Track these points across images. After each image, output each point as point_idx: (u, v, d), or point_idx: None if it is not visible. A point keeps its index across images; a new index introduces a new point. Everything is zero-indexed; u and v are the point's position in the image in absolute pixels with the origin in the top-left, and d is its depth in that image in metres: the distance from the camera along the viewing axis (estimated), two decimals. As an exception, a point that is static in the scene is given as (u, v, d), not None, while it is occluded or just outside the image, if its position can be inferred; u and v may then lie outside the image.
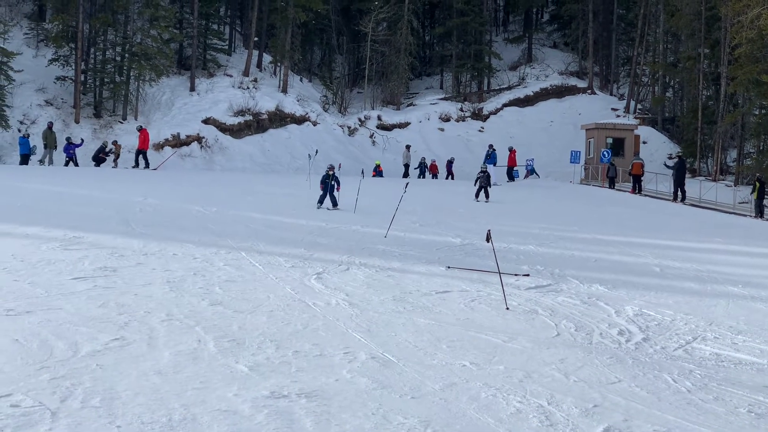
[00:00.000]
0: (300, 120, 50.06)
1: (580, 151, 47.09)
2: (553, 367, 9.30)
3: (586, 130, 49.73)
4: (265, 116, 48.67)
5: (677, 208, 33.98)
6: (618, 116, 55.67)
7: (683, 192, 36.13)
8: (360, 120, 53.03)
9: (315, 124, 50.42)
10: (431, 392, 8.04)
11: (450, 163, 45.59)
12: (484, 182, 30.51)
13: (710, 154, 50.51)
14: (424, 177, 44.88)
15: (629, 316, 12.72)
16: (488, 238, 12.95)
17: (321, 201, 24.26)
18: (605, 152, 43.51)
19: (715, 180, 45.82)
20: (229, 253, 15.65)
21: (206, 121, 46.01)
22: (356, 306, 12.01)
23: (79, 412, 6.85)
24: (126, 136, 41.59)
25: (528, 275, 15.49)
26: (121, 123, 44.33)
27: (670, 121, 57.83)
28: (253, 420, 6.88)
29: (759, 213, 33.06)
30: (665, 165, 39.40)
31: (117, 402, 7.15)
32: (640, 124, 53.15)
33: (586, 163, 47.43)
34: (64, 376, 7.78)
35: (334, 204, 24.18)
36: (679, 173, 36.13)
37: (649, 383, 8.85)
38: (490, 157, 40.57)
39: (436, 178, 45.13)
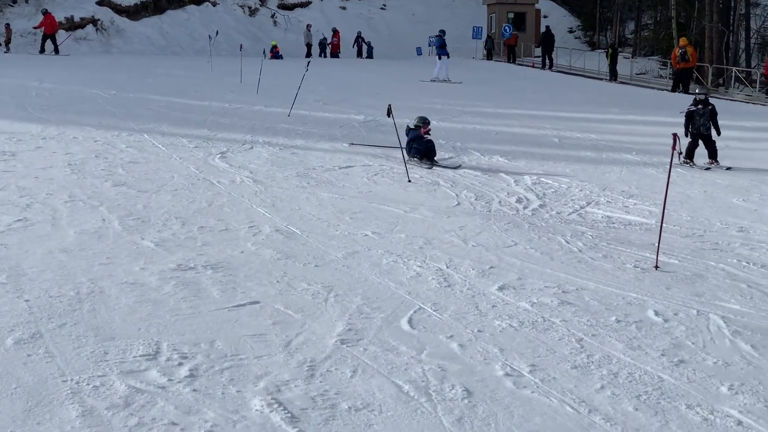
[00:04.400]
0: (198, 1, 48.91)
1: (482, 27, 47.15)
2: (453, 234, 9.61)
3: (488, 5, 49.73)
4: (162, -4, 47.46)
5: (553, 76, 35.42)
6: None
7: (551, 60, 39.23)
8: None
9: (214, 4, 49.28)
10: (334, 260, 8.29)
11: (359, 38, 45.33)
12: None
13: (609, 27, 51.07)
14: (325, 56, 44.56)
15: (527, 184, 13.09)
16: (389, 113, 13.10)
17: None
18: (506, 27, 43.68)
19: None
20: (130, 135, 15.54)
21: (101, 3, 44.59)
22: (260, 183, 12.14)
23: (-14, 291, 6.92)
24: (18, 20, 40.21)
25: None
26: (12, 6, 42.78)
27: (570, -6, 58.10)
28: (161, 291, 7.04)
29: (613, 76, 35.47)
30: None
31: (24, 278, 7.22)
32: (541, -1, 53.29)
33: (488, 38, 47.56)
34: (-32, 259, 7.80)
35: None
36: (547, 42, 39.06)
37: (543, 245, 9.23)
38: (446, 46, 32.15)
39: (338, 56, 44.86)
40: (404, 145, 14.10)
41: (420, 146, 14.36)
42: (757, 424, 4.90)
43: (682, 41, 31.42)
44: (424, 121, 14.63)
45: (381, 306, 6.89)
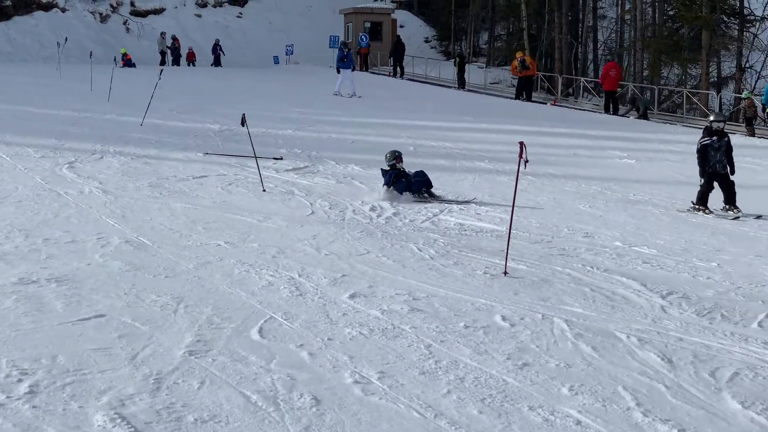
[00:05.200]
0: (47, 6, 47.42)
1: (339, 36, 47.32)
2: (306, 243, 9.61)
3: (345, 14, 49.95)
4: (8, 2, 45.90)
5: (408, 84, 36.56)
6: (375, 0, 56.08)
7: (401, 68, 39.37)
8: (112, 6, 50.91)
9: (64, 10, 47.93)
10: (185, 271, 8.18)
11: (216, 46, 44.90)
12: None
13: (464, 37, 52.02)
14: (179, 64, 43.97)
15: (382, 192, 13.19)
16: (243, 122, 13.03)
17: None
18: (363, 36, 43.97)
19: (468, 62, 47.29)
20: (-27, 145, 15.02)
21: (-58, 9, 42.93)
22: (110, 193, 11.89)
23: None
24: None
25: (282, 158, 15.71)
26: None
27: (425, 4, 58.81)
28: (1, 305, 6.81)
29: (461, 85, 36.20)
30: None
31: None
32: (397, 8, 53.80)
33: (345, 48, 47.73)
34: None
35: None
36: (398, 51, 39.43)
37: (396, 253, 9.32)
38: (347, 59, 30.59)
39: (194, 65, 44.36)
40: (383, 185, 12.92)
41: (413, 179, 12.94)
42: (595, 423, 5.06)
43: (519, 54, 32.80)
44: (396, 156, 13.26)
45: (231, 316, 6.83)
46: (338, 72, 30.16)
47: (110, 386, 5.37)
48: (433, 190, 13.05)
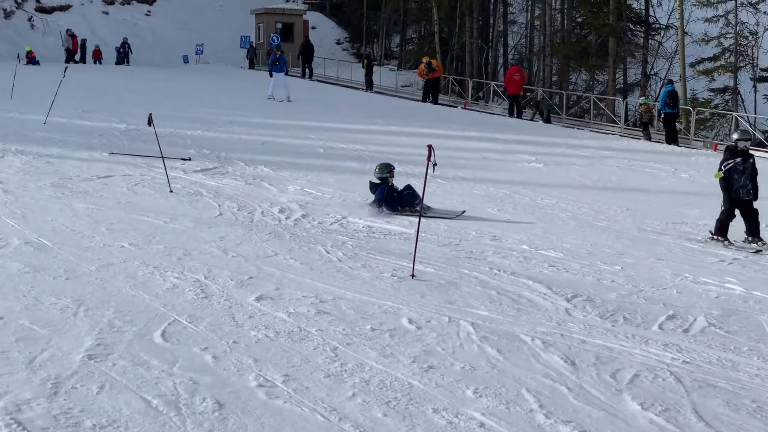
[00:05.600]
0: (-53, 2, 46.27)
1: (250, 36, 47.06)
2: (213, 245, 9.49)
3: (256, 15, 49.67)
4: None
5: (319, 86, 36.50)
6: (287, 1, 55.87)
7: (310, 69, 39.33)
8: (17, 2, 49.75)
9: (-34, 6, 46.85)
10: (87, 273, 8.00)
11: (124, 44, 44.19)
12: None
13: (376, 40, 52.15)
14: (84, 62, 43.20)
15: (291, 194, 13.14)
16: (150, 122, 12.83)
17: None
18: (274, 37, 43.75)
19: (380, 64, 47.42)
20: None
21: None
22: (11, 193, 11.60)
23: None
24: None
25: (190, 159, 15.52)
26: None
27: (337, 6, 58.83)
28: None
29: (369, 87, 36.29)
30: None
31: None
32: (308, 10, 53.71)
33: (257, 48, 47.47)
34: None
35: None
36: (307, 52, 39.29)
37: (304, 255, 9.26)
38: (279, 62, 29.48)
39: (101, 63, 43.66)
40: (374, 201, 12.37)
41: (405, 193, 12.43)
42: (498, 426, 5.08)
43: (425, 58, 33.12)
44: (390, 169, 12.58)
45: (134, 319, 6.70)
46: (270, 75, 29.43)
47: (6, 391, 5.22)
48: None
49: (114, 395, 5.25)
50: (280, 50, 30.66)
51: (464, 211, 12.45)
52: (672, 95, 25.04)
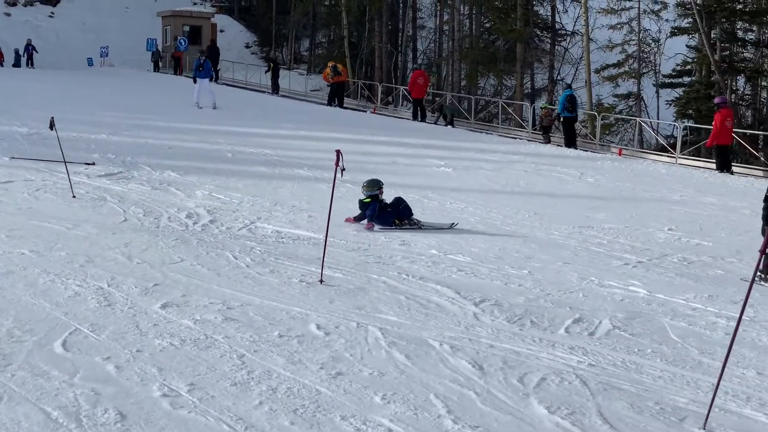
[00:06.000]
0: None
1: (156, 39, 46.47)
2: (117, 251, 9.30)
3: (163, 17, 49.07)
4: None
5: (226, 90, 35.76)
6: (195, 3, 55.35)
7: (216, 73, 38.39)
8: None
9: None
10: (-16, 282, 7.77)
11: (28, 46, 43.23)
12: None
13: (285, 43, 51.96)
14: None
15: (199, 200, 12.98)
16: (52, 126, 12.55)
17: None
18: (182, 40, 43.29)
19: (289, 68, 47.27)
20: None
21: None
22: None
23: None
24: None
25: (94, 164, 15.22)
26: None
27: (246, 10, 58.49)
28: None
29: (275, 90, 36.62)
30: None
31: None
32: (217, 13, 53.27)
33: (163, 51, 46.89)
34: None
35: None
36: (212, 56, 38.14)
37: (211, 261, 9.14)
38: (203, 68, 28.29)
39: (2, 65, 42.68)
40: (363, 218, 12.07)
41: (395, 209, 12.08)
42: (406, 432, 5.07)
43: (331, 62, 33.35)
44: (380, 186, 12.20)
45: (34, 328, 6.51)
46: (194, 81, 28.26)
47: None
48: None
49: (12, 407, 5.09)
50: (204, 55, 29.68)
51: (455, 224, 12.31)
52: (571, 100, 25.67)
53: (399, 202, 12.19)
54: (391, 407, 5.41)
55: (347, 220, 12.12)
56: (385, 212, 12.03)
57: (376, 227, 11.91)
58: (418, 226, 12.04)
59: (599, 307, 8.23)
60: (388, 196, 12.20)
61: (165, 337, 6.53)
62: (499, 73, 41.25)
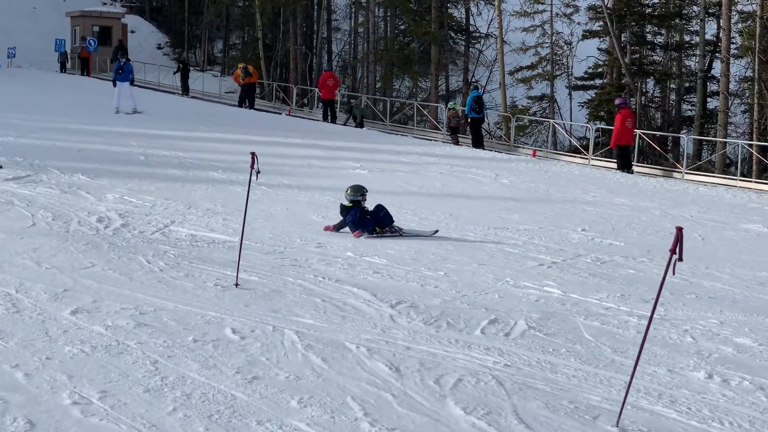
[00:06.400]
0: None
1: (65, 39, 45.63)
2: (26, 257, 9.08)
3: (72, 17, 48.22)
4: None
5: (138, 91, 34.83)
6: (105, 3, 54.45)
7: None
8: None
9: None
10: None
11: None
12: None
13: (198, 45, 51.45)
14: None
15: (110, 203, 12.76)
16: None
17: None
18: (91, 41, 42.55)
19: (202, 70, 46.82)
20: None
21: None
22: None
23: None
24: None
25: (1, 167, 14.86)
26: None
27: (157, 10, 57.74)
28: None
29: (185, 91, 36.50)
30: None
31: None
32: (127, 13, 52.48)
33: (72, 52, 46.05)
34: None
35: None
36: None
37: (123, 266, 8.98)
38: (123, 71, 26.85)
39: None
40: (344, 224, 11.90)
41: (375, 217, 11.87)
42: (323, 436, 5.03)
43: (241, 64, 33.33)
44: (363, 192, 11.99)
45: (-62, 337, 6.31)
46: (114, 85, 26.92)
47: None
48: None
49: None
50: (126, 57, 28.32)
51: (437, 231, 12.19)
52: (477, 101, 26.06)
53: (380, 209, 12.01)
54: (308, 411, 5.36)
55: (326, 228, 12.02)
56: (365, 219, 11.85)
57: (362, 234, 11.74)
58: (399, 233, 11.92)
59: (514, 308, 8.30)
60: (305, 197, 12.15)
61: (75, 343, 6.38)
62: (414, 75, 41.46)
